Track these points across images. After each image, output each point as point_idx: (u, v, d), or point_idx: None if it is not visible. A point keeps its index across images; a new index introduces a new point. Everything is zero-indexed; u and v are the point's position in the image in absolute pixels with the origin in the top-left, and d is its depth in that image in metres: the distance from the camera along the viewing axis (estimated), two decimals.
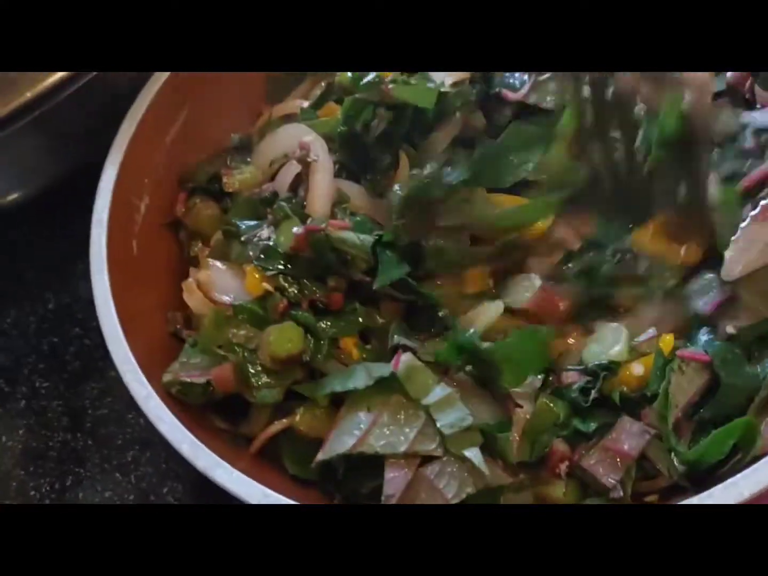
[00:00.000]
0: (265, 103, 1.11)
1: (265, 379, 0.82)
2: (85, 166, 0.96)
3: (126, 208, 0.96)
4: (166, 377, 0.83)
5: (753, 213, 0.79)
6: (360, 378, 0.78)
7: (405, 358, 0.79)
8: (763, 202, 0.79)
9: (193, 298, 0.90)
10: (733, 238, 0.79)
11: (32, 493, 0.98)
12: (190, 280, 0.92)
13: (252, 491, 0.72)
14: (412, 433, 0.76)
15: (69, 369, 1.08)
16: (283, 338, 0.81)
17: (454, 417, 0.75)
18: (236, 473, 0.73)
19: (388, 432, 0.77)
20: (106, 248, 0.90)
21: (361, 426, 0.77)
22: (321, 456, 0.78)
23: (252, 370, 0.82)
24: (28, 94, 0.96)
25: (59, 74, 0.97)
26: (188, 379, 0.83)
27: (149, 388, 0.80)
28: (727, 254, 0.79)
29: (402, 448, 0.75)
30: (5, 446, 1.02)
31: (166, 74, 1.02)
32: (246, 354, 0.83)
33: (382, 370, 0.78)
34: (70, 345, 1.10)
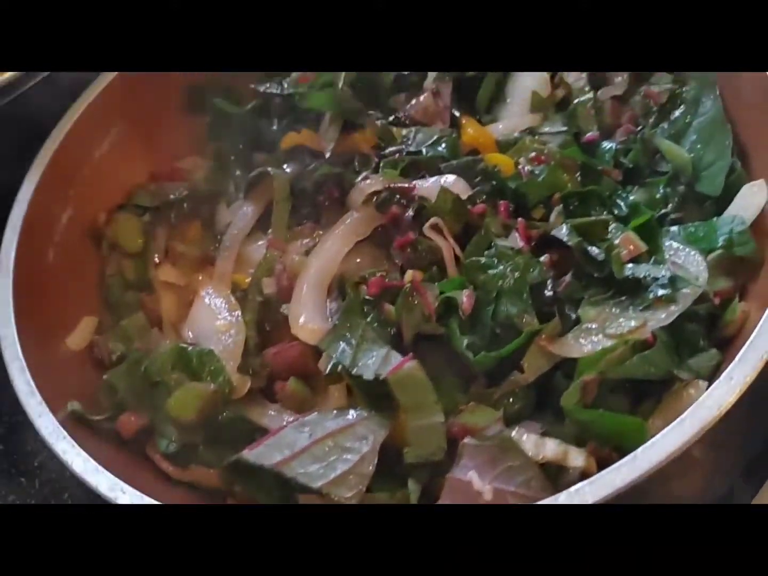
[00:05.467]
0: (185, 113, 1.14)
1: (169, 430, 0.84)
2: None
3: (45, 218, 0.98)
4: (72, 406, 0.85)
5: None
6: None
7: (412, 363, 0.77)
8: None
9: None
10: None
11: None
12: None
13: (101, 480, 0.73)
14: (337, 472, 0.75)
15: None
16: (179, 404, 0.83)
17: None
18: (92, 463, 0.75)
19: (312, 463, 0.76)
20: (14, 255, 0.92)
21: (294, 447, 0.77)
22: (246, 455, 0.76)
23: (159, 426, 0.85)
24: None
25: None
26: (93, 417, 0.86)
27: (32, 385, 0.81)
28: None
29: (317, 484, 0.74)
30: None
31: (99, 88, 1.05)
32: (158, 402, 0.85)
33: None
34: None
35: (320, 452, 0.76)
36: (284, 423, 0.82)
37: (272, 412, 0.86)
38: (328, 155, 0.96)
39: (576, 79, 1.01)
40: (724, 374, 0.67)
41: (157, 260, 1.03)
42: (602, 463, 0.72)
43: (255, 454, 0.77)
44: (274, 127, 1.07)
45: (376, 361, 0.79)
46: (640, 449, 0.65)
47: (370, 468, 0.75)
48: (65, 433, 0.77)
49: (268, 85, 1.06)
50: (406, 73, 1.03)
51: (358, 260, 0.92)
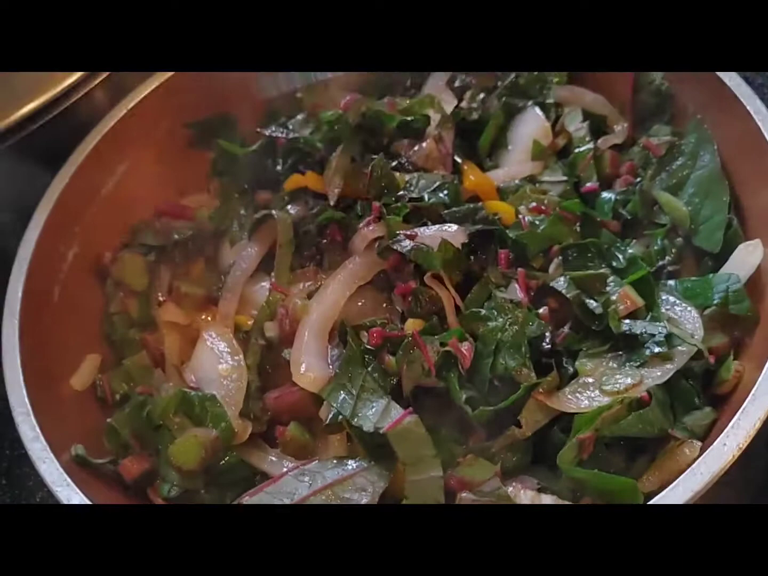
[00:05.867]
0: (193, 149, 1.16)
1: (171, 475, 0.85)
2: None
3: (51, 256, 1.00)
4: (76, 450, 0.86)
5: None
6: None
7: (411, 418, 0.79)
8: None
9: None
10: None
11: None
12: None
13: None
14: None
15: None
16: (182, 452, 0.84)
17: None
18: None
19: None
20: (21, 295, 0.93)
21: (294, 496, 0.78)
22: (246, 502, 0.79)
23: (162, 469, 0.86)
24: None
25: (24, 110, 1.03)
26: (96, 461, 0.87)
27: (37, 431, 0.83)
28: None
29: None
30: None
31: (107, 127, 1.07)
32: (161, 446, 0.87)
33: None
34: None
35: (319, 502, 0.78)
36: (284, 469, 0.84)
37: (272, 458, 0.87)
38: (333, 203, 0.97)
39: (577, 128, 1.03)
40: (717, 441, 0.68)
41: (161, 298, 1.04)
42: None
43: (255, 501, 0.79)
44: (278, 168, 1.08)
45: (376, 412, 0.80)
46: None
47: None
48: (69, 479, 0.78)
49: (273, 128, 1.07)
50: (409, 119, 1.04)
51: (360, 303, 0.93)
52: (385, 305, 0.93)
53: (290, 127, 1.08)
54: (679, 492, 0.66)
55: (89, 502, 0.78)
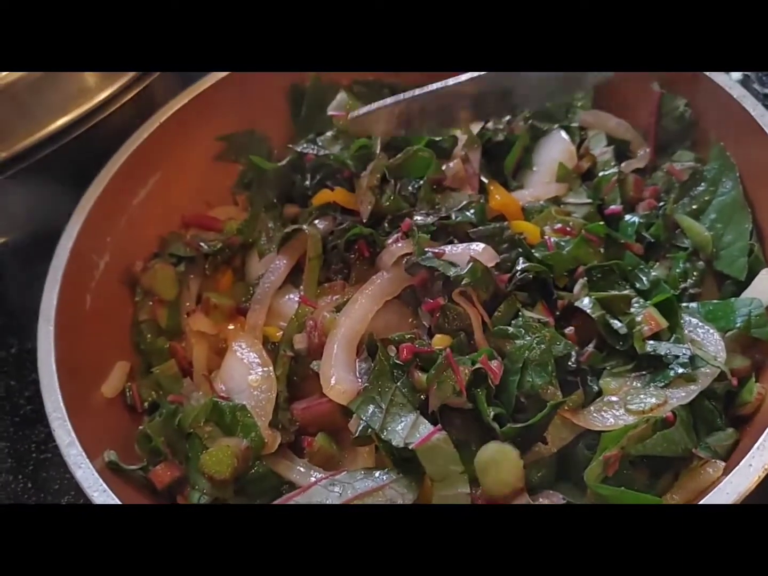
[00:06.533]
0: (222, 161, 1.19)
1: (201, 483, 0.87)
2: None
3: (84, 265, 1.02)
4: (109, 456, 0.88)
5: None
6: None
7: (440, 435, 0.80)
8: None
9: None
10: None
11: None
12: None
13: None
14: None
15: (21, 413, 1.12)
16: (214, 461, 0.85)
17: None
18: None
19: None
20: (56, 302, 0.95)
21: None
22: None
23: (192, 477, 0.88)
24: (27, 141, 1.04)
25: (59, 122, 1.05)
26: (128, 467, 0.89)
27: (73, 436, 0.84)
28: None
29: None
30: None
31: (140, 139, 1.09)
32: (192, 454, 0.88)
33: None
34: (25, 389, 1.14)
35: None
36: (312, 479, 0.86)
37: (301, 468, 0.89)
38: (365, 219, 0.99)
39: (602, 152, 1.05)
40: (743, 461, 0.70)
41: (188, 307, 1.06)
42: None
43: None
44: (306, 183, 1.10)
45: (405, 427, 0.82)
46: None
47: None
48: (105, 485, 0.80)
49: (304, 145, 1.10)
50: (437, 139, 1.06)
51: (386, 318, 0.95)
52: (411, 320, 0.95)
53: (320, 143, 1.10)
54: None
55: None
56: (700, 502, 0.69)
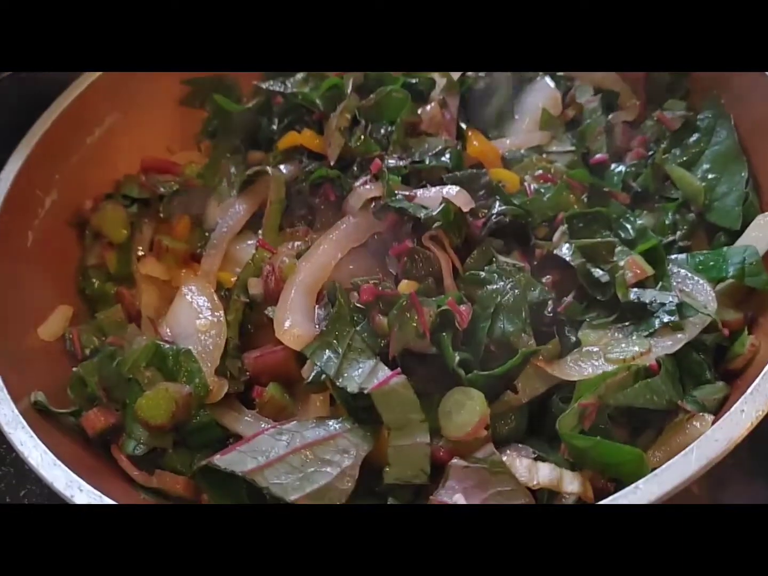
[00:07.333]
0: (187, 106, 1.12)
1: (138, 431, 0.79)
2: None
3: (27, 199, 0.94)
4: (36, 396, 0.80)
5: None
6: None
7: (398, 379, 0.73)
8: None
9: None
10: None
11: None
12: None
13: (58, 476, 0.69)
14: (314, 485, 0.70)
15: None
16: (151, 405, 0.78)
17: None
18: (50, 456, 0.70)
19: (288, 473, 0.71)
20: None
21: (269, 455, 0.72)
22: (217, 461, 0.72)
23: (128, 425, 0.80)
24: None
25: None
26: (57, 410, 0.81)
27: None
28: None
29: (292, 497, 0.69)
30: None
31: (97, 74, 1.01)
32: (129, 400, 0.80)
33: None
34: None
35: (297, 462, 0.72)
36: (260, 430, 0.78)
37: (248, 419, 0.81)
38: (333, 162, 0.92)
39: (588, 101, 0.99)
40: (735, 406, 0.63)
41: (140, 253, 0.99)
42: (598, 496, 0.68)
43: (226, 460, 0.72)
44: (274, 126, 1.03)
45: (363, 373, 0.74)
46: (641, 481, 0.60)
47: (350, 484, 0.70)
48: (24, 422, 0.72)
49: (271, 83, 1.03)
50: (413, 81, 0.99)
51: (351, 267, 0.87)
52: (378, 272, 0.87)
53: (289, 84, 1.03)
54: (692, 460, 0.60)
55: (48, 452, 0.71)
56: (685, 452, 0.61)
